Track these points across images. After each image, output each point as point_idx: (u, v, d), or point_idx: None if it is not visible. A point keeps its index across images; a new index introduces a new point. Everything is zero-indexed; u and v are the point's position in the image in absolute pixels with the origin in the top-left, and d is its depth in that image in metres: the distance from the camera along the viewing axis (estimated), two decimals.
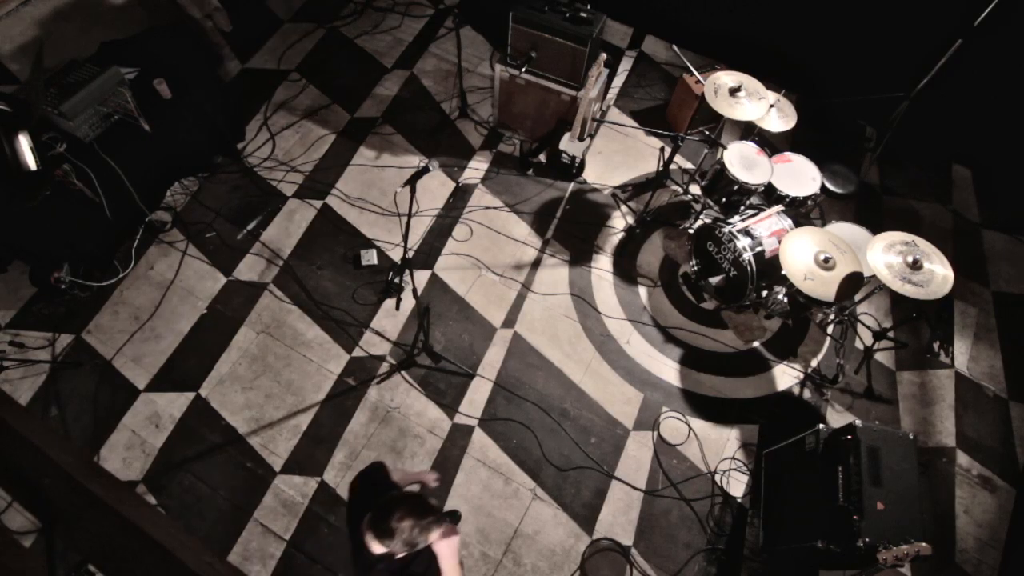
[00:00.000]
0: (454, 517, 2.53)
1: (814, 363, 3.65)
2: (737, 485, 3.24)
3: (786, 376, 3.60)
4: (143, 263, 3.73)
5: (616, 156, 4.43)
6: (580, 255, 3.96)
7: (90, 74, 3.24)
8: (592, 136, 4.49)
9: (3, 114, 3.10)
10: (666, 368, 3.57)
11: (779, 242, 3.23)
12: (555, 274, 3.87)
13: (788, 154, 3.69)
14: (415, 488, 1.81)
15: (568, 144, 3.97)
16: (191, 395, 3.32)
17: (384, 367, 3.46)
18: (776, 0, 4.34)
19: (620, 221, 4.13)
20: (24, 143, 3.01)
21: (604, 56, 3.51)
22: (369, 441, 3.23)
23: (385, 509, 1.74)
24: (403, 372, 3.44)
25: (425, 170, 2.63)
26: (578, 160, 4.04)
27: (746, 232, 3.37)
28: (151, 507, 2.91)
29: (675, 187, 4.26)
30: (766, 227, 3.40)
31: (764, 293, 3.47)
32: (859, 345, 3.69)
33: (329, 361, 3.46)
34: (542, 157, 4.23)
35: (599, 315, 3.73)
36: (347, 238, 3.92)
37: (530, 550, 3.00)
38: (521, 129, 4.39)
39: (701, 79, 4.09)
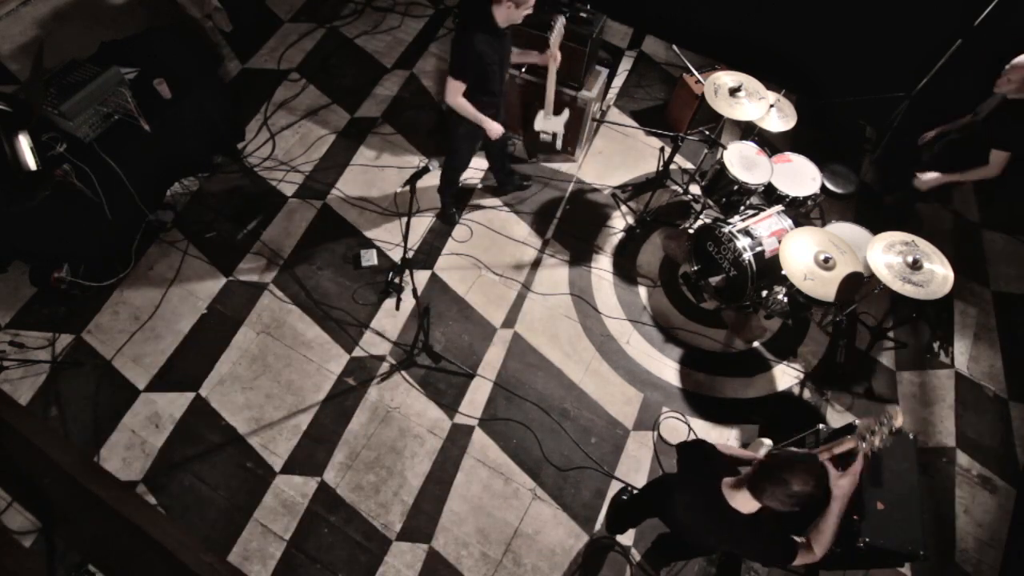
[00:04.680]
0: None
1: (814, 363, 3.65)
2: None
3: (786, 376, 3.60)
4: (143, 263, 3.73)
5: (616, 156, 4.43)
6: (580, 255, 3.96)
7: (90, 74, 3.23)
8: (582, 138, 4.49)
9: (3, 114, 3.10)
10: (666, 368, 3.57)
11: (779, 242, 3.23)
12: (555, 274, 3.87)
13: (788, 154, 3.69)
14: None
15: (543, 123, 3.83)
16: (191, 395, 3.32)
17: (384, 367, 3.46)
18: (776, 0, 4.34)
19: (620, 221, 4.13)
20: (24, 143, 3.00)
21: (563, 18, 3.23)
22: (369, 441, 3.23)
23: None
24: (403, 372, 3.44)
25: (425, 170, 2.63)
26: (559, 136, 3.93)
27: (746, 232, 3.37)
28: (151, 507, 2.91)
29: (675, 187, 4.26)
30: (766, 227, 3.40)
31: (764, 293, 3.47)
32: (859, 345, 3.69)
33: (329, 361, 3.46)
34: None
35: (599, 315, 3.73)
36: (347, 238, 3.92)
37: (530, 550, 3.00)
38: (521, 129, 4.38)
39: (701, 79, 4.09)
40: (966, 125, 3.37)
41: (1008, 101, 3.07)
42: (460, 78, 2.92)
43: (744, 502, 1.83)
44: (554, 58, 3.21)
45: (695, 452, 2.12)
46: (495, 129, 3.20)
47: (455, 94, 2.97)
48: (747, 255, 3.29)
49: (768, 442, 3.14)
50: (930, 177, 3.39)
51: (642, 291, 3.86)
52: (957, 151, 3.36)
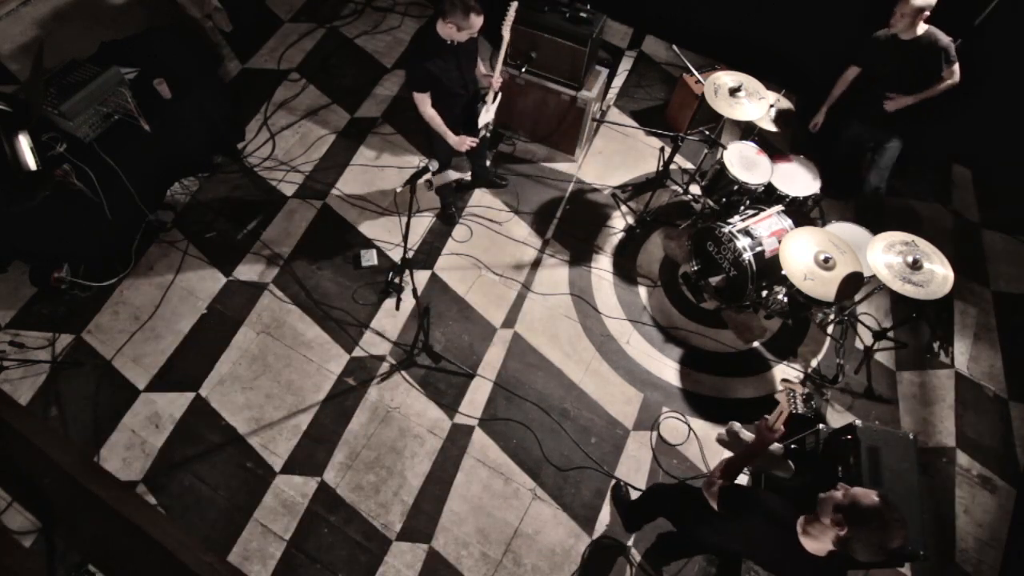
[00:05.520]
0: None
1: (814, 363, 3.65)
2: None
3: (786, 376, 3.60)
4: (143, 263, 3.73)
5: (616, 156, 4.43)
6: (580, 255, 3.96)
7: (90, 74, 3.24)
8: (583, 138, 4.49)
9: (3, 114, 3.10)
10: (666, 368, 3.57)
11: (779, 242, 3.23)
12: (555, 274, 3.87)
13: (788, 154, 3.69)
14: None
15: (485, 115, 3.42)
16: (191, 395, 3.32)
17: (384, 367, 3.46)
18: (777, 0, 4.34)
19: (620, 221, 4.13)
20: (24, 143, 3.01)
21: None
22: (369, 441, 3.23)
23: None
24: (403, 372, 3.44)
25: (425, 170, 2.63)
26: (490, 122, 3.54)
27: (746, 232, 3.37)
28: (151, 507, 2.91)
29: (675, 187, 4.26)
30: (766, 227, 3.40)
31: (764, 293, 3.47)
32: (859, 345, 3.69)
33: (329, 361, 3.46)
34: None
35: (599, 315, 3.73)
36: (347, 238, 3.92)
37: (530, 550, 3.00)
38: (521, 129, 4.39)
39: (701, 79, 4.09)
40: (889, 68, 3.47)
41: (908, 44, 3.27)
42: (420, 90, 3.04)
43: (819, 546, 1.79)
44: (493, 87, 3.30)
45: (746, 498, 2.05)
46: (457, 143, 3.27)
47: (423, 104, 3.09)
48: (747, 255, 3.29)
49: (738, 426, 3.17)
50: (899, 99, 3.49)
51: (642, 291, 3.86)
52: (906, 78, 3.46)
